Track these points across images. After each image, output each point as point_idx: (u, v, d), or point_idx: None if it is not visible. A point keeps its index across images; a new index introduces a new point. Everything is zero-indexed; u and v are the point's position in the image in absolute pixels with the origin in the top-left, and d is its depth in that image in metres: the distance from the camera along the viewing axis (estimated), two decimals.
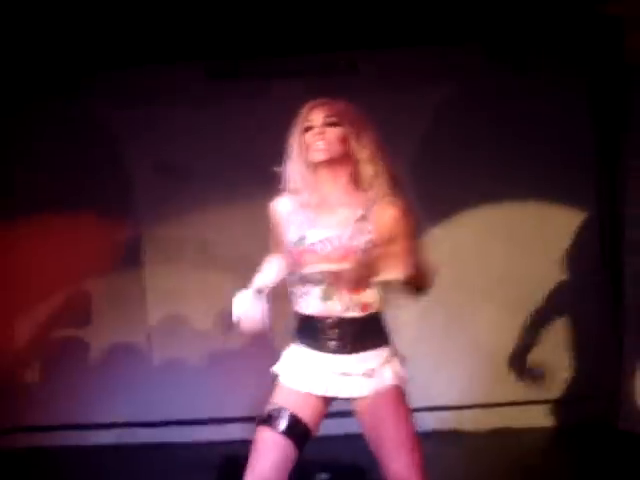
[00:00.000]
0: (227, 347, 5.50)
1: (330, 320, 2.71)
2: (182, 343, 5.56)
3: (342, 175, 2.76)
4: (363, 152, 2.75)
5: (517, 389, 5.45)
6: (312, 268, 2.70)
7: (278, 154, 5.77)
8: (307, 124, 2.77)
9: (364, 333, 2.73)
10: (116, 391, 5.51)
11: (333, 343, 2.72)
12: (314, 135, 2.74)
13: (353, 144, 2.74)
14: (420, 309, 5.36)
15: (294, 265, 2.75)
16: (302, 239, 2.73)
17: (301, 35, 5.17)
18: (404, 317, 5.27)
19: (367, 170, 2.75)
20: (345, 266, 2.67)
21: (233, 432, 5.29)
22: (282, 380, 2.77)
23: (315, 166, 2.74)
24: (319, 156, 2.72)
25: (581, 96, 5.47)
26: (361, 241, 2.69)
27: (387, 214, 2.73)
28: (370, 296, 2.74)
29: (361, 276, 2.68)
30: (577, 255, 5.50)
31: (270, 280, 2.83)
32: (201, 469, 4.90)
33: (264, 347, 5.38)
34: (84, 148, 5.54)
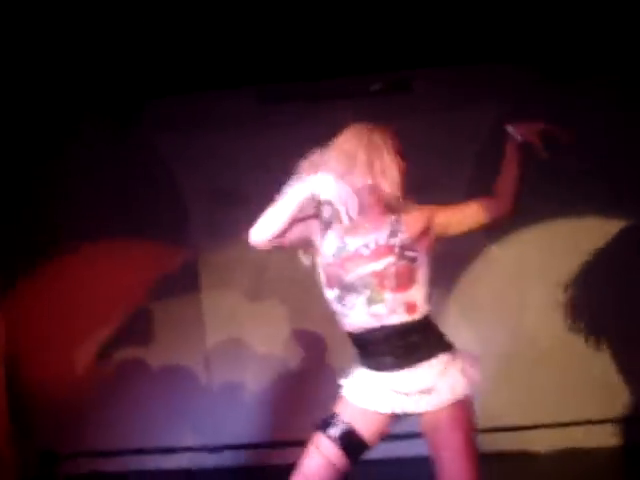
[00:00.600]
0: (286, 370, 5.50)
1: (378, 333, 2.67)
2: (240, 366, 5.57)
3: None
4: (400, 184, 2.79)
5: (583, 408, 5.35)
6: (356, 273, 2.68)
7: None
8: (396, 149, 2.80)
9: (415, 343, 2.67)
10: (174, 415, 5.54)
11: (387, 359, 2.68)
12: (392, 163, 2.76)
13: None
14: (485, 327, 5.32)
15: (334, 277, 2.72)
16: (343, 247, 2.72)
17: (357, 56, 5.16)
18: (466, 336, 5.23)
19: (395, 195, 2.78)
20: (387, 261, 2.65)
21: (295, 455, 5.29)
22: (345, 393, 2.76)
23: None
24: (393, 189, 2.75)
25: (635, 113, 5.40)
26: (397, 240, 2.67)
27: (415, 212, 2.76)
28: (415, 295, 2.68)
29: (404, 269, 2.65)
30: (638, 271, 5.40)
31: None
32: None
33: (324, 370, 5.41)
34: (141, 176, 5.63)
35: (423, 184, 5.09)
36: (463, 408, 2.68)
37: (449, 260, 5.37)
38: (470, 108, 5.27)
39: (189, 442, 5.58)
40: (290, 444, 5.44)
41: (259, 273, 5.55)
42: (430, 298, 2.75)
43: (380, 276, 2.64)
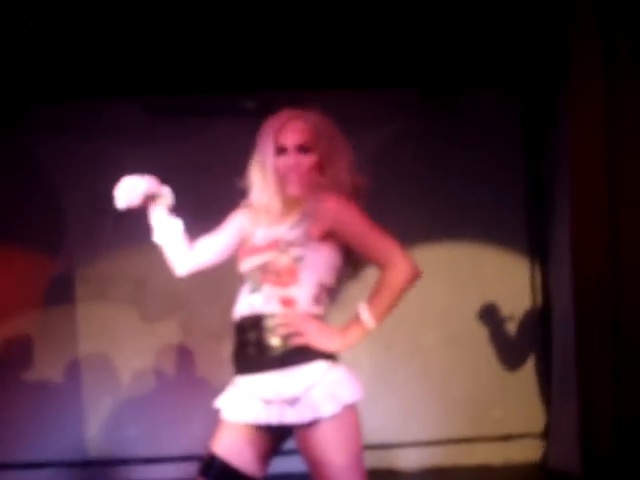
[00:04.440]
0: (160, 384, 5.45)
1: (249, 320, 2.50)
2: (112, 379, 5.47)
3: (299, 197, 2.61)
4: (335, 181, 2.58)
5: (453, 425, 5.48)
6: (247, 264, 2.58)
7: (214, 191, 5.76)
8: (279, 145, 2.59)
9: (288, 340, 2.46)
10: (41, 428, 5.39)
11: (251, 350, 2.48)
12: (287, 164, 2.57)
13: (324, 172, 2.59)
14: (358, 345, 5.38)
15: (237, 265, 2.63)
16: (249, 238, 2.65)
17: (239, 73, 5.19)
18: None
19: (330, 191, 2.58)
20: (271, 255, 2.50)
21: (166, 472, 5.24)
22: (222, 414, 2.57)
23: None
24: (293, 191, 2.57)
25: (515, 137, 5.62)
26: (290, 235, 2.52)
27: (325, 205, 2.53)
28: (295, 292, 2.49)
29: (285, 266, 2.49)
30: (509, 296, 5.61)
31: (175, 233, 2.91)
32: None
33: (199, 386, 5.38)
34: (18, 182, 5.47)
35: None
36: (337, 425, 2.42)
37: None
38: (351, 130, 5.37)
39: (56, 457, 5.43)
40: (158, 460, 5.42)
41: (137, 286, 5.48)
42: (322, 302, 2.57)
43: (262, 269, 2.51)
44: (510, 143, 5.62)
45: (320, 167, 2.59)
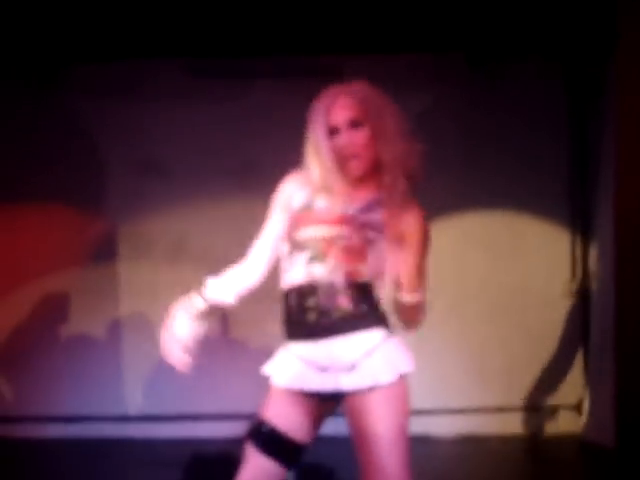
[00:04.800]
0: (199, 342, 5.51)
1: (308, 289, 2.47)
2: (152, 338, 5.54)
3: (364, 175, 2.54)
4: (388, 152, 2.51)
5: (489, 395, 5.51)
6: (307, 233, 2.51)
7: (255, 153, 5.77)
8: (330, 125, 2.51)
9: (344, 309, 2.46)
10: (82, 384, 5.50)
11: (309, 316, 2.46)
12: (342, 143, 2.49)
13: (379, 144, 2.51)
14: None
15: (289, 233, 2.54)
16: (307, 205, 2.56)
17: (287, 36, 5.16)
18: None
19: (389, 169, 2.51)
20: (340, 231, 2.47)
21: (203, 430, 5.33)
22: (272, 380, 2.56)
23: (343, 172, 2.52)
24: (355, 171, 2.51)
25: (559, 107, 5.56)
26: (365, 217, 2.48)
27: (411, 215, 2.50)
28: (359, 269, 2.47)
29: (355, 245, 2.46)
30: (548, 268, 5.57)
31: (227, 295, 2.63)
32: (164, 466, 4.90)
33: (237, 346, 5.44)
34: (61, 142, 5.53)
35: None
36: (391, 394, 2.45)
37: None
38: (398, 95, 5.34)
39: (97, 411, 5.54)
40: (196, 418, 5.50)
41: (178, 246, 5.54)
42: (380, 277, 2.52)
43: (329, 242, 2.47)
44: (554, 113, 5.55)
45: (374, 139, 2.51)
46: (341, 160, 2.51)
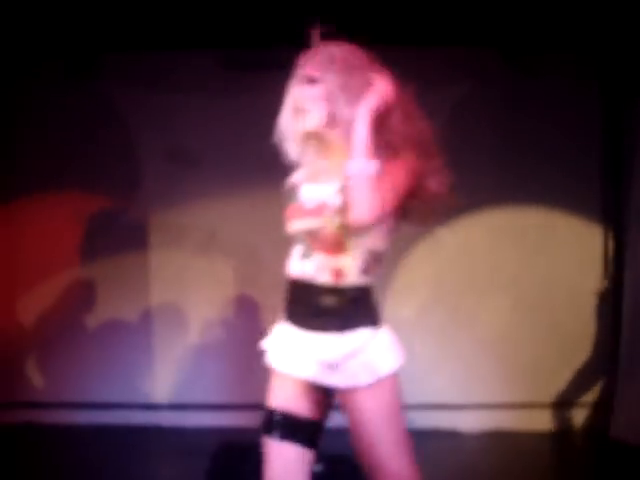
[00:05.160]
0: (228, 334, 5.55)
1: (303, 289, 2.47)
2: (182, 327, 5.59)
3: (334, 141, 2.50)
4: (344, 114, 2.43)
5: (516, 390, 5.49)
6: (296, 226, 2.51)
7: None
8: (297, 79, 2.52)
9: (331, 309, 2.44)
10: (113, 372, 5.56)
11: (301, 309, 2.49)
12: (296, 95, 2.50)
13: (337, 104, 2.45)
14: (426, 308, 5.42)
15: (285, 225, 2.56)
16: (297, 194, 2.55)
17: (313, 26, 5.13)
18: (407, 313, 5.33)
19: (359, 133, 2.38)
20: (319, 222, 2.44)
21: (231, 419, 5.36)
22: (271, 363, 2.60)
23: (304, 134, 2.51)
24: (303, 126, 2.51)
25: (593, 103, 5.51)
26: (338, 198, 2.41)
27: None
28: (344, 262, 2.44)
29: (334, 233, 2.42)
30: (579, 263, 5.54)
31: None
32: (192, 454, 4.93)
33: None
34: (94, 131, 5.57)
35: None
36: (372, 394, 2.43)
37: (394, 238, 5.51)
38: (426, 88, 5.32)
39: (126, 399, 5.60)
40: (224, 407, 5.54)
41: (209, 236, 5.57)
42: (371, 271, 2.50)
43: (312, 235, 2.46)
44: (588, 109, 5.50)
45: (332, 99, 2.46)
46: (295, 113, 2.53)
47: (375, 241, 2.49)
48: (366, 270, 2.48)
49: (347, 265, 2.45)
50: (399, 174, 2.41)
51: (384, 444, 2.43)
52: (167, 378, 5.61)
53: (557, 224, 5.53)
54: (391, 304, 5.04)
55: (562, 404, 5.51)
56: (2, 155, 5.56)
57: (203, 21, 5.06)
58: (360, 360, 2.43)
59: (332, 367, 2.44)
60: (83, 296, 5.64)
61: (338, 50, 2.52)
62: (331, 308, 2.45)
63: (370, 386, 2.42)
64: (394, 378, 2.47)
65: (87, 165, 5.55)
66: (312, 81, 2.48)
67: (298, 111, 2.51)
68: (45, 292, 5.62)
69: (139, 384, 5.60)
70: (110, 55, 5.49)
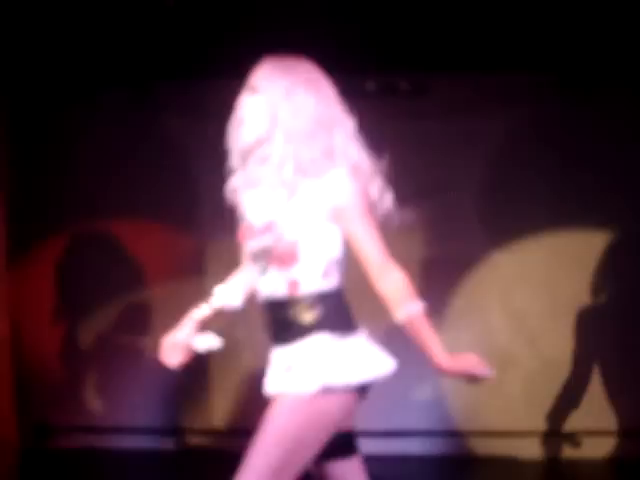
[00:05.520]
0: None
1: (267, 302, 2.46)
2: (238, 353, 5.58)
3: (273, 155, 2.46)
4: (290, 127, 2.41)
5: (577, 418, 5.41)
6: (250, 245, 2.49)
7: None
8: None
9: (288, 321, 2.40)
10: (170, 397, 5.61)
11: (273, 329, 2.48)
12: (238, 105, 2.50)
13: (281, 118, 2.42)
14: (484, 332, 5.36)
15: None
16: (243, 215, 2.56)
17: (364, 53, 5.14)
18: (465, 339, 5.26)
19: (301, 150, 2.38)
20: (270, 238, 2.40)
21: None
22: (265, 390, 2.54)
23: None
24: (244, 139, 2.52)
25: None
26: (286, 213, 2.40)
27: (333, 189, 2.36)
28: (298, 272, 2.38)
29: (285, 247, 2.38)
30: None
31: (231, 298, 2.69)
32: None
33: None
34: (152, 157, 5.65)
35: (436, 184, 5.21)
36: (296, 409, 2.32)
37: (451, 263, 5.49)
38: (484, 113, 5.30)
39: (183, 423, 5.62)
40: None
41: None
42: (329, 275, 2.41)
43: (266, 252, 2.42)
44: None
45: (268, 111, 2.44)
46: (238, 123, 2.55)
47: (330, 248, 2.42)
48: (325, 274, 2.40)
49: (301, 274, 2.39)
50: (370, 218, 2.38)
51: (260, 459, 2.36)
52: (224, 403, 5.62)
53: (618, 248, 5.42)
54: (450, 329, 5.02)
55: (621, 431, 5.39)
56: (65, 184, 5.67)
57: (257, 49, 5.09)
58: (305, 367, 2.35)
59: (277, 378, 2.42)
60: (141, 321, 5.71)
61: (283, 62, 2.50)
62: (291, 319, 2.40)
63: (297, 397, 2.32)
64: (338, 397, 2.32)
65: (146, 192, 5.63)
66: (254, 91, 2.47)
67: (240, 121, 2.53)
68: (104, 317, 5.70)
69: (197, 409, 5.62)
70: (166, 83, 5.57)
